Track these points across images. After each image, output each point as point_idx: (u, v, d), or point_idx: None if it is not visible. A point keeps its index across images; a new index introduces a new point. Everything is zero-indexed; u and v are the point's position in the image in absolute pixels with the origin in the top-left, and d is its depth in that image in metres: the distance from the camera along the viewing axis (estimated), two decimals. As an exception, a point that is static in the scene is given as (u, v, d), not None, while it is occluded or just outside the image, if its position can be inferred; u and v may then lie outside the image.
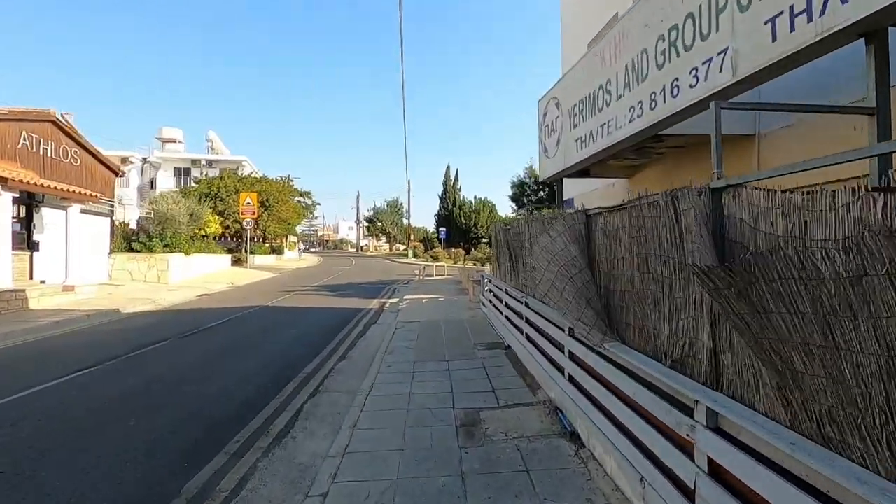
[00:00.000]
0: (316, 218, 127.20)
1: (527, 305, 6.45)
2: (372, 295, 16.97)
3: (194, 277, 22.68)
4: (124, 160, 49.39)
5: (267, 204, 34.45)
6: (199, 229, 25.33)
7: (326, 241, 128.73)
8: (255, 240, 42.66)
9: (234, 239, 36.99)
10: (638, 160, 7.38)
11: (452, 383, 5.93)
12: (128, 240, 20.50)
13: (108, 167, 19.88)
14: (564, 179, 8.53)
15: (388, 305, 14.22)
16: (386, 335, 9.10)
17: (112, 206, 20.51)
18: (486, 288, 11.40)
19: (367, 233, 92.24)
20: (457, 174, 60.05)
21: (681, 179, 7.04)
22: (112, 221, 20.36)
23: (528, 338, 6.25)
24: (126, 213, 39.72)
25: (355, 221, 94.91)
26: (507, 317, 8.11)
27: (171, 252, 20.97)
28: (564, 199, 10.86)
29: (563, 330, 4.56)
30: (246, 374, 6.64)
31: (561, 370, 4.72)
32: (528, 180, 20.20)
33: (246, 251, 33.34)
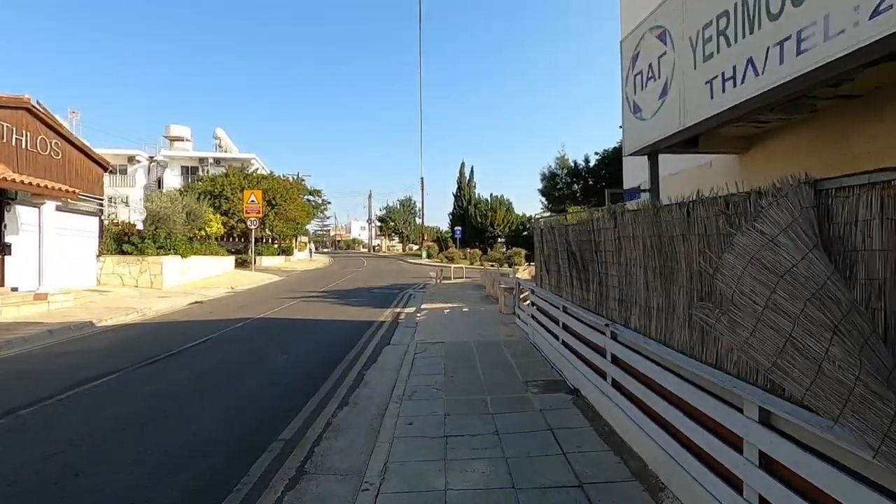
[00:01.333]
0: (328, 218, 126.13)
1: (617, 340, 4.28)
2: (384, 303, 14.89)
3: (192, 281, 20.86)
4: (131, 159, 48.27)
5: (274, 203, 32.66)
6: (199, 229, 23.54)
7: (338, 241, 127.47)
8: (264, 240, 41.00)
9: (241, 240, 35.29)
10: (765, 125, 5.13)
11: (509, 464, 3.78)
12: (118, 241, 18.71)
13: (94, 161, 18.11)
14: (635, 158, 6.33)
15: (403, 317, 12.12)
16: (403, 366, 6.98)
17: (101, 204, 18.76)
18: (527, 300, 9.25)
19: (379, 233, 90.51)
20: (472, 171, 57.90)
21: (832, 154, 4.80)
22: (101, 221, 18.59)
23: (628, 396, 4.07)
24: (132, 214, 38.34)
25: (367, 221, 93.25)
26: (566, 343, 5.95)
27: (166, 254, 19.14)
28: (628, 188, 8.63)
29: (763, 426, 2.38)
30: (195, 443, 4.56)
31: None
32: (559, 172, 18.02)
33: (251, 252, 31.61)
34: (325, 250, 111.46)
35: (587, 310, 5.33)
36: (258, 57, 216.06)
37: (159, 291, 17.75)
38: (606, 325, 4.47)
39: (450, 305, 13.58)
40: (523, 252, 41.59)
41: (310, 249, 77.86)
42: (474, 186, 57.41)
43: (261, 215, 28.28)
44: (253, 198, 27.39)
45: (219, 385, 6.33)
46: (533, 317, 8.18)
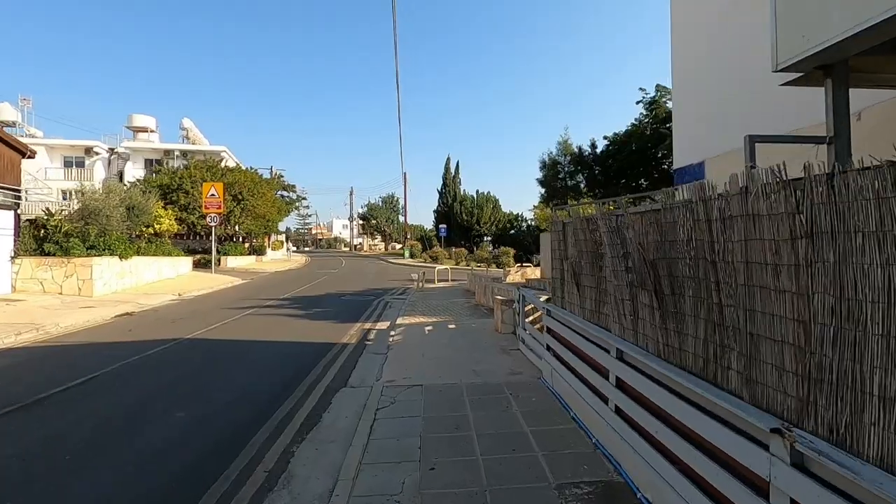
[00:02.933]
0: (309, 216, 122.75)
1: (809, 474, 1.79)
2: (353, 315, 12.30)
3: (134, 287, 17.97)
4: (88, 150, 44.59)
5: (241, 198, 29.72)
6: (147, 226, 20.58)
7: (320, 239, 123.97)
8: (233, 239, 37.98)
9: (207, 238, 32.28)
10: None
11: None
12: (39, 240, 15.74)
13: (7, 145, 15.13)
14: (687, 128, 3.84)
15: (372, 336, 9.57)
16: (356, 437, 4.43)
17: (17, 195, 15.75)
18: (537, 321, 6.82)
19: (361, 231, 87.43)
20: (457, 166, 55.43)
21: None
22: (17, 216, 15.62)
23: None
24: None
25: (349, 219, 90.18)
26: (625, 414, 3.50)
27: (99, 255, 16.22)
28: (680, 167, 6.20)
29: None
30: None
31: None
32: (561, 159, 15.66)
33: (214, 252, 28.69)
34: (307, 249, 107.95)
35: (681, 368, 2.88)
36: (233, 50, 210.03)
37: (88, 299, 14.88)
38: (776, 430, 1.98)
39: (433, 320, 11.05)
40: (512, 252, 39.29)
41: (288, 249, 74.63)
42: (460, 182, 54.99)
43: (222, 211, 25.36)
44: (213, 191, 24.47)
45: (25, 488, 3.70)
46: (550, 349, 5.72)
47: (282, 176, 47.10)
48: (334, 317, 12.05)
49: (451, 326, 10.00)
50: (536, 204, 52.47)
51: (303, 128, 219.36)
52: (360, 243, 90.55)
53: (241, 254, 34.45)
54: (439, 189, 55.96)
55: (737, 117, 5.82)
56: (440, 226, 49.53)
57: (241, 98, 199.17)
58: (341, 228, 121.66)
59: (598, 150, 14.54)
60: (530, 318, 7.74)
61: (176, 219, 27.58)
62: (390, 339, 8.98)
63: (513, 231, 52.66)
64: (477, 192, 52.90)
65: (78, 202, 16.62)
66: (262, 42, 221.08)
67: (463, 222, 51.34)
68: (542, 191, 16.71)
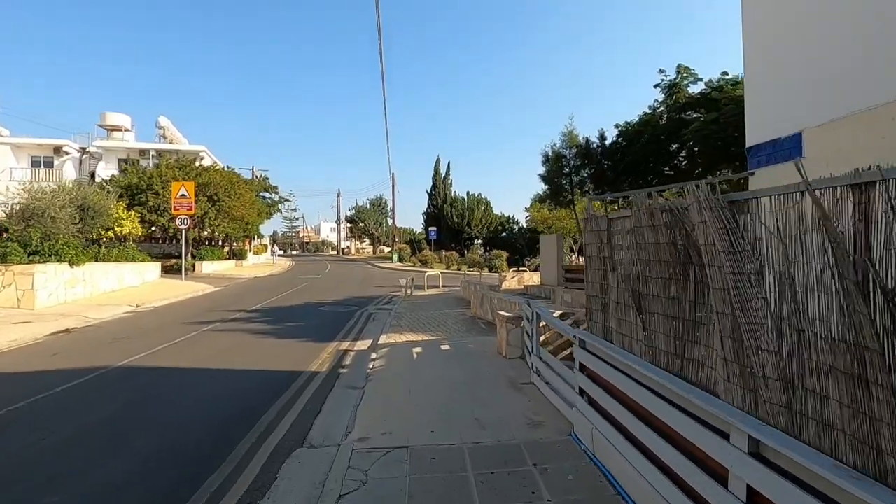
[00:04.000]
0: (297, 220, 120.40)
1: None
2: (330, 331, 10.57)
3: (88, 297, 16.01)
4: (58, 150, 42.17)
5: (216, 198, 27.74)
6: (106, 229, 18.62)
7: (307, 243, 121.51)
8: (211, 242, 35.93)
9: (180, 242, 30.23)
10: None
11: None
12: (-29, 245, 13.78)
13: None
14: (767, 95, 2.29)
15: (349, 360, 7.88)
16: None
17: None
18: (561, 350, 5.21)
19: (349, 234, 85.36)
20: (448, 167, 53.85)
21: None
22: (-54, 218, 13.66)
23: None
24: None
25: (336, 222, 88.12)
26: None
27: (44, 262, 14.30)
28: (758, 143, 4.61)
29: None
30: None
31: None
32: (566, 152, 14.04)
33: (187, 257, 26.71)
34: (294, 253, 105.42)
35: None
36: (219, 49, 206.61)
37: (27, 313, 12.97)
38: None
39: (422, 338, 9.37)
40: (505, 255, 37.76)
41: (273, 252, 72.35)
42: (450, 184, 53.39)
43: (193, 212, 23.38)
44: (183, 191, 22.50)
45: None
46: (586, 394, 4.08)
47: (267, 178, 45.07)
48: (308, 333, 10.30)
49: (444, 347, 8.32)
50: (529, 205, 51.04)
51: (291, 128, 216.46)
52: (348, 247, 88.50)
53: (220, 258, 32.40)
54: (429, 190, 54.35)
55: (852, 76, 4.20)
56: (430, 228, 47.83)
57: (227, 98, 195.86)
58: (329, 231, 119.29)
59: (607, 142, 12.96)
60: (558, 349, 6.07)
61: (144, 221, 25.56)
62: (370, 366, 7.28)
63: (504, 233, 51.17)
64: (468, 193, 51.39)
65: (18, 202, 14.66)
66: (246, 37, 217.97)
67: (453, 224, 49.74)
68: (545, 187, 15.09)
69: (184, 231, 22.61)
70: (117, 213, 19.38)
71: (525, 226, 50.49)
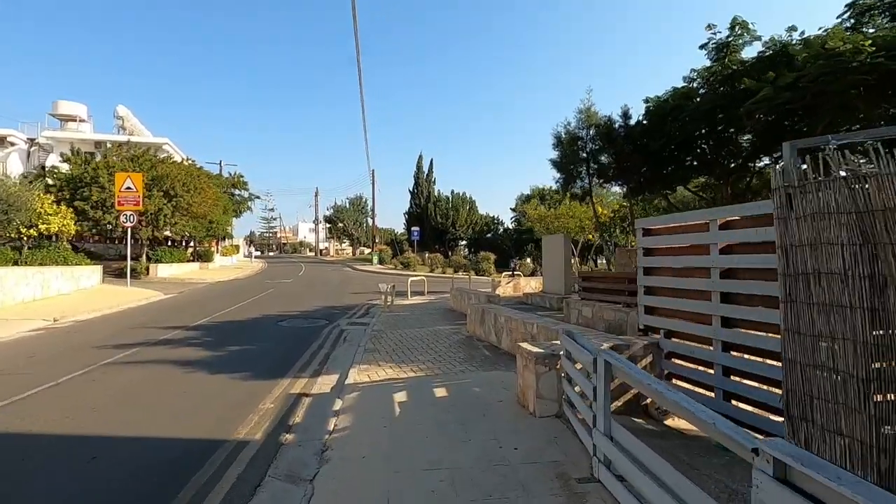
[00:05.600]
0: (274, 220, 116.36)
1: None
2: (283, 361, 8.00)
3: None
4: (2, 140, 38.43)
5: (173, 193, 24.73)
6: (28, 226, 15.61)
7: (284, 244, 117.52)
8: (173, 243, 32.76)
9: (137, 242, 27.08)
10: None
11: None
12: None
13: None
14: None
15: (299, 416, 5.35)
16: None
17: None
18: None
19: (329, 235, 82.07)
20: (431, 164, 51.44)
21: None
22: None
23: None
24: None
25: (314, 222, 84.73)
26: None
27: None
28: None
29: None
30: None
31: None
32: (583, 133, 11.72)
33: (140, 258, 23.77)
34: (272, 255, 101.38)
35: None
36: (194, 41, 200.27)
37: None
38: None
39: (406, 374, 6.87)
40: (493, 257, 35.49)
41: (250, 253, 68.74)
42: (434, 182, 50.98)
43: (140, 207, 20.38)
44: (129, 183, 19.53)
45: None
46: None
47: (241, 176, 41.79)
48: (253, 364, 7.72)
49: (438, 393, 5.85)
50: (515, 205, 48.87)
51: (267, 125, 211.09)
52: (326, 248, 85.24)
53: (181, 260, 29.29)
54: (411, 189, 51.83)
55: None
56: (412, 228, 45.30)
57: (200, 93, 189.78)
58: (308, 232, 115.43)
59: (631, 122, 10.67)
60: (636, 402, 3.66)
61: (88, 218, 22.43)
62: (329, 428, 4.78)
63: (490, 234, 48.96)
64: (452, 192, 49.07)
65: None
66: (222, 32, 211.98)
67: (437, 225, 47.34)
68: (557, 175, 12.71)
69: (129, 229, 19.62)
70: (42, 207, 16.35)
71: (511, 226, 48.40)
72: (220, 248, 42.06)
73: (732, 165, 10.38)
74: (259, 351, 8.77)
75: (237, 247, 54.25)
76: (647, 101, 10.21)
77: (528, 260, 37.07)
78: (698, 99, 9.40)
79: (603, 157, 11.48)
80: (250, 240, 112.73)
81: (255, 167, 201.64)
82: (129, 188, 19.53)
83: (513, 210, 48.52)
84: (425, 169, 51.23)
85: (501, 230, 49.30)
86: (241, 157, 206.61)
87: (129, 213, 19.42)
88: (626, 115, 10.87)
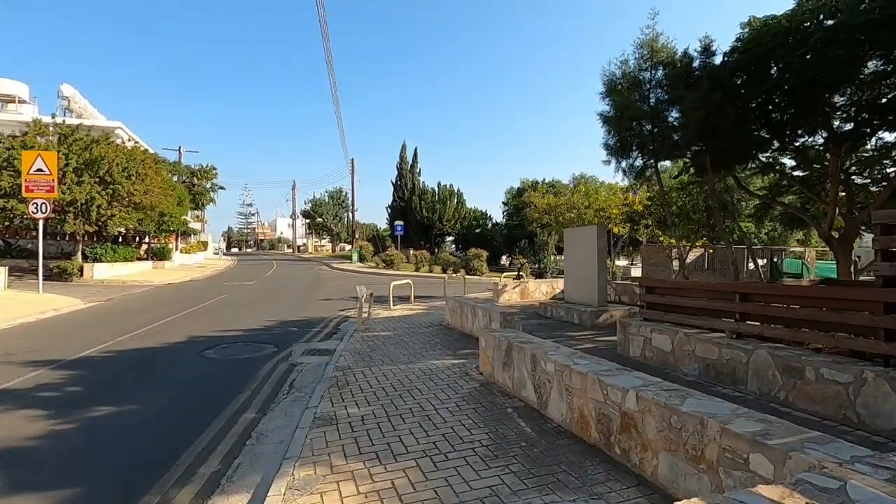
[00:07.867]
0: (252, 215, 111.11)
1: None
2: (157, 453, 4.49)
3: None
4: (-78, 122, 33.55)
5: (109, 180, 20.77)
6: None
7: (261, 240, 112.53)
8: (124, 239, 28.64)
9: (68, 236, 23.03)
10: None
11: None
12: None
13: None
14: None
15: None
16: None
17: None
18: None
19: (308, 230, 77.75)
20: (415, 154, 47.80)
21: None
22: None
23: None
24: None
25: (291, 216, 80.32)
26: None
27: None
28: None
29: None
30: None
31: None
32: (647, 74, 8.26)
33: (75, 256, 19.85)
34: (249, 251, 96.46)
35: None
36: (163, 36, 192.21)
37: None
38: None
39: (384, 486, 3.40)
40: (485, 254, 32.14)
41: (219, 250, 64.21)
42: (419, 173, 47.39)
43: (55, 195, 16.42)
44: (40, 163, 15.57)
45: None
46: None
47: (215, 168, 37.49)
48: (107, 464, 4.20)
49: None
50: (505, 199, 45.49)
51: (243, 117, 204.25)
52: (305, 244, 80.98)
53: (127, 259, 25.24)
54: (394, 181, 48.16)
55: None
56: (396, 223, 41.71)
57: (174, 82, 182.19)
58: (286, 227, 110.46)
59: (715, 60, 7.29)
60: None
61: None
62: None
63: (478, 230, 45.63)
64: (439, 184, 45.54)
65: None
66: (193, 24, 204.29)
67: (423, 219, 43.81)
68: (608, 135, 8.96)
69: (41, 221, 15.69)
70: None
71: (502, 221, 45.16)
72: (179, 244, 37.84)
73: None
74: (134, 420, 5.22)
75: (205, 243, 49.91)
76: (748, 23, 6.80)
77: (523, 258, 33.89)
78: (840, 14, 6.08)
79: (672, 114, 8.03)
80: (229, 236, 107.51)
81: (231, 158, 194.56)
82: (39, 170, 15.58)
83: (504, 204, 45.28)
84: (409, 159, 47.61)
85: (490, 225, 46.05)
86: (217, 148, 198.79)
87: (39, 201, 15.50)
88: (706, 50, 7.39)
